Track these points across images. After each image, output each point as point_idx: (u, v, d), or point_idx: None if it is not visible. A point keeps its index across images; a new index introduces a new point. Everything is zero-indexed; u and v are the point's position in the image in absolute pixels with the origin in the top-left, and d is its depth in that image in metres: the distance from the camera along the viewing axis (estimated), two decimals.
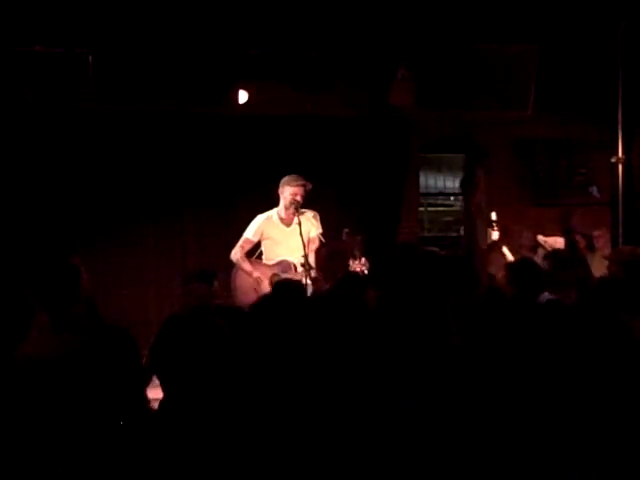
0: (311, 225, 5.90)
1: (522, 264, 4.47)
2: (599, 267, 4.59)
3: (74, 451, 2.44)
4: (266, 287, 5.52)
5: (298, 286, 4.22)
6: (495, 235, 5.18)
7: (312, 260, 5.55)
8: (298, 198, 5.83)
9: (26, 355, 2.68)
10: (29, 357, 2.70)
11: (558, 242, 4.94)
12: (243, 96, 6.82)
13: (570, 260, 4.33)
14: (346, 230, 6.37)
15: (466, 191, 4.80)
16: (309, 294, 5.27)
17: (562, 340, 2.97)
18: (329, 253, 4.10)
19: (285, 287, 4.11)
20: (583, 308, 3.43)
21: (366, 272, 5.40)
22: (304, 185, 5.88)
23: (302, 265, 5.60)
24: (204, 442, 2.75)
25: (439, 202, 9.04)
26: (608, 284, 3.74)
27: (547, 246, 4.94)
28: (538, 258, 4.97)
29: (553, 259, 4.37)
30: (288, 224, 5.92)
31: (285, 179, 5.92)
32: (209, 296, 4.12)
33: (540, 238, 5.01)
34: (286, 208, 5.89)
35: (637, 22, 7.24)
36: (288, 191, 5.86)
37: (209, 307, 3.97)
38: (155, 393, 3.24)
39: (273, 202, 6.04)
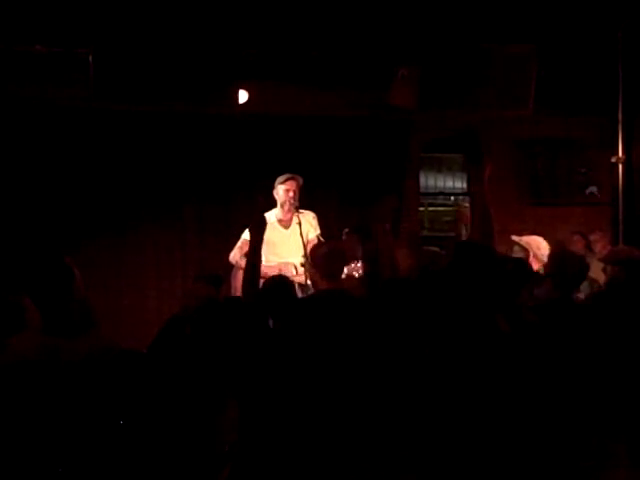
0: (310, 226, 5.90)
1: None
2: (597, 271, 4.58)
3: (69, 452, 2.44)
4: None
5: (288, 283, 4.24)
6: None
7: None
8: (291, 194, 5.84)
9: (17, 355, 2.67)
10: (21, 357, 2.69)
11: (532, 240, 4.91)
12: (243, 96, 6.81)
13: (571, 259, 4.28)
14: (346, 230, 6.36)
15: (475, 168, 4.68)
16: (309, 294, 5.29)
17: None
18: (326, 252, 4.08)
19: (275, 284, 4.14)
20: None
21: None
22: (294, 178, 5.89)
23: (302, 265, 5.60)
24: (203, 443, 2.75)
25: (439, 202, 9.04)
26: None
27: (523, 243, 4.91)
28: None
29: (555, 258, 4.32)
30: (287, 226, 5.92)
31: (276, 180, 5.94)
32: (212, 297, 4.12)
33: (514, 238, 4.97)
34: (282, 207, 5.90)
35: (637, 22, 7.25)
36: (281, 189, 5.89)
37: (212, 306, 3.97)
38: None
39: (273, 202, 6.03)
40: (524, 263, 3.89)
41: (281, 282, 4.19)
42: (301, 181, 5.91)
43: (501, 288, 3.47)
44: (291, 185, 5.86)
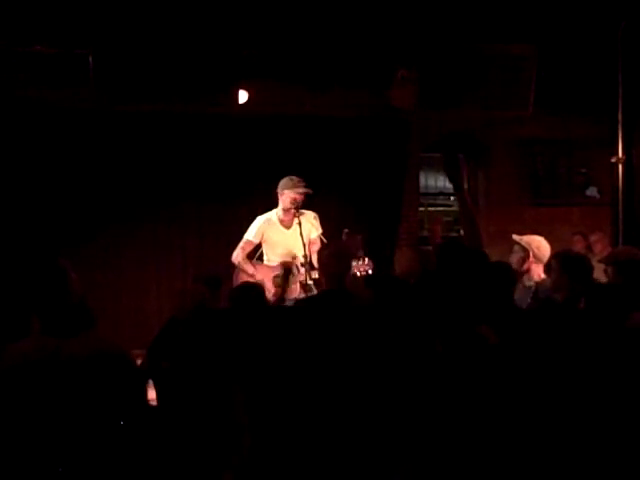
0: (311, 226, 5.89)
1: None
2: (598, 271, 4.56)
3: (69, 452, 2.44)
4: (269, 289, 5.48)
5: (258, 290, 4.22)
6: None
7: (314, 261, 5.52)
8: (299, 202, 5.80)
9: (17, 356, 2.67)
10: (21, 357, 2.69)
11: (533, 240, 4.90)
12: (243, 96, 6.81)
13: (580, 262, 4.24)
14: (346, 230, 6.35)
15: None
16: (311, 295, 5.29)
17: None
18: (332, 253, 4.08)
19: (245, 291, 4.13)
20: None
21: (370, 272, 5.36)
22: (308, 191, 5.82)
23: (302, 265, 5.60)
24: (198, 443, 2.75)
25: (439, 202, 9.04)
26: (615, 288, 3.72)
27: (523, 243, 4.90)
28: (514, 258, 4.93)
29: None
30: (288, 226, 5.90)
31: (285, 182, 5.83)
32: (205, 298, 4.12)
33: (515, 237, 4.96)
34: (285, 210, 5.86)
35: (637, 22, 7.25)
36: (288, 195, 5.80)
37: (204, 309, 3.98)
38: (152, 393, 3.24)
39: (273, 202, 6.03)
40: (508, 267, 3.84)
41: (250, 289, 4.18)
42: (310, 193, 5.86)
43: (487, 293, 3.45)
44: (303, 196, 5.80)
